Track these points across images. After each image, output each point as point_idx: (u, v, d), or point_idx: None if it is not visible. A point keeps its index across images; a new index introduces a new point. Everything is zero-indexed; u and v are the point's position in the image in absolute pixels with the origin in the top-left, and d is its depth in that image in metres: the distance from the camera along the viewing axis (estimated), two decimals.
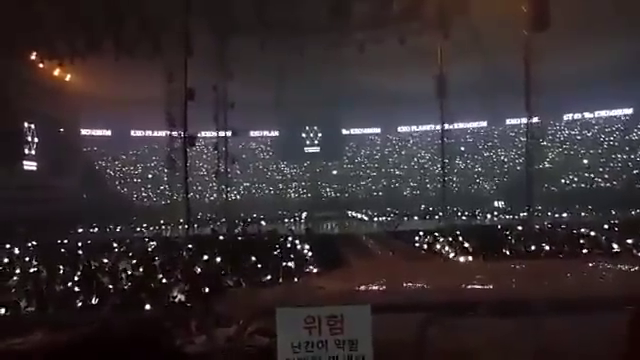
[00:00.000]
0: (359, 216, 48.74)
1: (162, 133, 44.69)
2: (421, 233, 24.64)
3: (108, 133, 61.97)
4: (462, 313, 7.12)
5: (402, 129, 68.25)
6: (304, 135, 67.91)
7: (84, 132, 58.65)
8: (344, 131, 68.23)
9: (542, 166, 47.20)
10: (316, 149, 67.67)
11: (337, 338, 3.76)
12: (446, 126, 38.60)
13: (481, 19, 37.42)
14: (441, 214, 38.64)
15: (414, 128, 67.38)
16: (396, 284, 10.73)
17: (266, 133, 68.42)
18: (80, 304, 11.40)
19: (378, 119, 64.86)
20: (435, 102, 37.19)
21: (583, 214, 38.40)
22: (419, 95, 44.35)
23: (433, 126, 56.44)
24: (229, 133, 39.25)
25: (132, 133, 62.81)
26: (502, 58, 38.33)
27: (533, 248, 18.19)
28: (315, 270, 15.49)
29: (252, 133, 65.72)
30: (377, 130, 69.05)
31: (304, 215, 47.80)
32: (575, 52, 43.67)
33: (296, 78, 50.27)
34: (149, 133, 61.00)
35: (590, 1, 37.54)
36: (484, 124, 64.24)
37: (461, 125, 62.23)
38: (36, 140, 47.42)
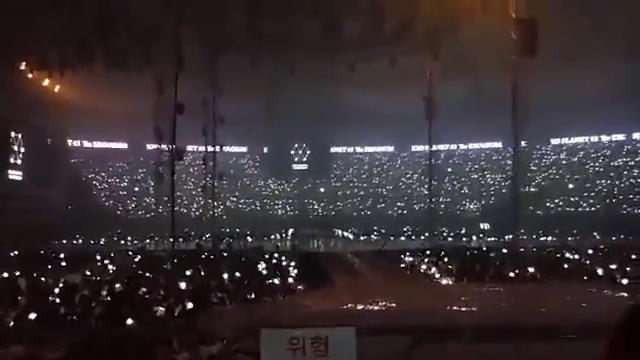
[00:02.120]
0: (345, 234, 48.69)
1: (151, 146, 44.63)
2: (407, 253, 24.66)
3: (94, 145, 61.46)
4: (446, 335, 7.12)
5: (390, 149, 68.56)
6: (292, 152, 68.00)
7: (72, 143, 58.34)
8: (333, 149, 68.37)
9: (528, 189, 47.58)
10: (304, 166, 67.73)
11: None
12: (437, 147, 39.02)
13: (470, 42, 37.91)
14: (427, 235, 38.70)
15: (402, 148, 67.65)
16: (381, 305, 10.71)
17: (254, 149, 68.36)
18: (61, 317, 11.23)
19: (367, 138, 64.99)
20: (424, 122, 37.40)
21: (568, 238, 38.63)
22: (408, 115, 44.59)
23: (422, 147, 56.85)
24: (217, 148, 39.10)
25: (120, 146, 62.41)
26: (491, 81, 38.70)
27: (517, 271, 18.23)
28: (301, 288, 15.42)
29: (240, 149, 65.72)
30: (366, 149, 69.24)
31: (290, 232, 47.67)
32: (562, 78, 44.27)
33: (286, 95, 50.45)
34: (137, 146, 60.60)
35: (578, 28, 38.17)
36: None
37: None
38: (22, 150, 47.03)
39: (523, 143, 29.14)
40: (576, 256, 22.76)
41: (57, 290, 14.57)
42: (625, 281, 15.95)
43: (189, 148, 43.85)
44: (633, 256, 21.83)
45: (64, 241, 38.10)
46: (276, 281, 16.35)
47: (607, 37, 39.77)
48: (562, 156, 61.08)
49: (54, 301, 13.17)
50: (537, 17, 22.27)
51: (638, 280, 16.03)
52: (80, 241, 39.15)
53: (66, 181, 52.78)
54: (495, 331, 7.12)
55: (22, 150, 46.99)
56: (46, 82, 45.50)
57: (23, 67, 40.91)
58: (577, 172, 58.55)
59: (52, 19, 30.80)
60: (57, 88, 47.73)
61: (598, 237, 37.52)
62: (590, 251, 24.37)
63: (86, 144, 60.72)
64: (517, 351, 6.82)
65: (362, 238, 45.71)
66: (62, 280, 16.16)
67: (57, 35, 32.51)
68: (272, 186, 67.03)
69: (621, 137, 58.23)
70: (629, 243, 31.06)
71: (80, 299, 13.06)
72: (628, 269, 18.31)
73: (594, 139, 59.76)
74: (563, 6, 31.88)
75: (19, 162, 46.87)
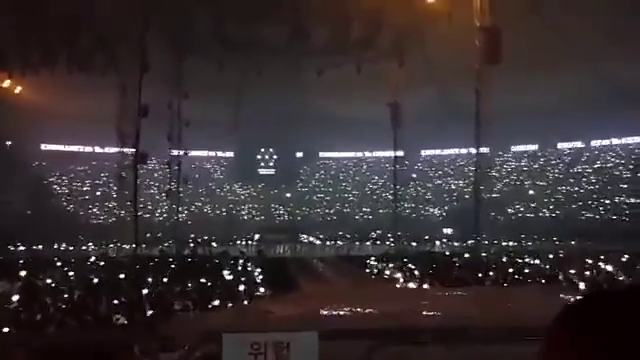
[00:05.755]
0: (311, 239, 48.70)
1: (113, 150, 43.84)
2: (372, 258, 24.85)
3: (56, 148, 59.99)
4: (409, 339, 7.21)
5: (356, 154, 68.85)
6: (259, 157, 67.65)
7: (33, 146, 56.88)
8: (299, 154, 68.25)
9: (490, 195, 48.38)
10: (271, 171, 67.44)
11: None
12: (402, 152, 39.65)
13: (435, 51, 38.49)
14: (392, 239, 39.04)
15: (368, 154, 67.97)
16: (345, 310, 10.76)
17: (220, 153, 67.80)
18: (20, 325, 10.95)
19: (334, 143, 65.10)
20: (390, 128, 37.84)
21: (528, 243, 39.44)
22: (375, 120, 44.95)
23: (389, 152, 57.20)
24: (182, 152, 38.66)
25: (82, 149, 61.15)
26: (454, 89, 39.34)
27: (479, 275, 18.55)
28: (265, 293, 15.37)
29: (206, 153, 65.15)
30: (332, 154, 69.33)
31: (256, 237, 47.46)
32: (524, 85, 45.19)
33: (253, 99, 50.25)
34: (99, 149, 59.49)
35: (541, 38, 39.12)
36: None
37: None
38: None
39: (485, 149, 29.66)
40: (536, 261, 23.25)
41: (14, 298, 14.17)
42: (582, 285, 16.37)
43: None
44: (590, 261, 22.43)
45: (22, 247, 37.08)
46: (241, 287, 16.26)
47: (569, 46, 40.83)
48: (523, 162, 62.28)
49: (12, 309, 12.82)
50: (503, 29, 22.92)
51: (595, 284, 16.50)
52: (40, 247, 38.08)
53: (26, 185, 51.36)
54: (456, 334, 7.25)
55: None
56: (6, 83, 44.39)
57: None
58: (537, 178, 59.77)
59: (12, 20, 30.10)
60: (18, 89, 46.60)
61: (558, 242, 38.37)
62: (550, 256, 24.91)
63: (48, 147, 59.24)
64: (478, 353, 6.95)
65: (328, 243, 45.80)
66: (20, 287, 15.73)
67: (18, 36, 31.76)
68: (238, 191, 66.54)
69: (580, 144, 59.74)
70: (588, 248, 31.88)
71: (39, 307, 12.75)
72: (587, 273, 18.82)
73: (555, 146, 61.11)
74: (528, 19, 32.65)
75: None
